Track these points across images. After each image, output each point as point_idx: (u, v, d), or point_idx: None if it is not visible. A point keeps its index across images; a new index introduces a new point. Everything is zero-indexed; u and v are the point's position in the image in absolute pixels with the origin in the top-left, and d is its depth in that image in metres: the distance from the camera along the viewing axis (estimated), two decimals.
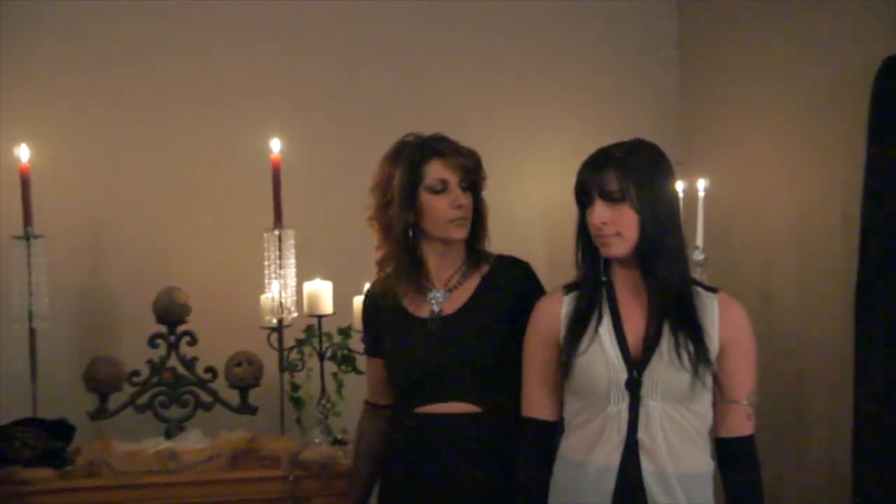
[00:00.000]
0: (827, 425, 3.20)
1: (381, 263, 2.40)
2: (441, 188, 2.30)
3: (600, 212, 2.06)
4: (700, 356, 2.05)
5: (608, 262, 2.16)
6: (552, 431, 2.23)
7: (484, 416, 2.33)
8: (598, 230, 2.09)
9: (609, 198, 2.06)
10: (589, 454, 2.11)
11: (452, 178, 2.31)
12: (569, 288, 2.19)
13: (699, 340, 2.06)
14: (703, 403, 2.10)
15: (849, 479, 2.91)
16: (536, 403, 2.23)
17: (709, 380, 2.09)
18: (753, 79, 3.56)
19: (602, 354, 2.11)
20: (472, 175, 2.35)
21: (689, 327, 2.07)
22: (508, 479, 2.32)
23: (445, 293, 2.38)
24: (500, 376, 2.35)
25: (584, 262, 2.19)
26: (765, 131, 3.52)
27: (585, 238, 2.15)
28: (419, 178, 2.31)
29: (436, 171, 2.31)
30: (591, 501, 2.09)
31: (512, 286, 2.39)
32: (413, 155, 2.34)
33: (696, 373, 2.04)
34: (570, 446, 2.16)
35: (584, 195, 2.12)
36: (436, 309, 2.36)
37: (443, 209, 2.30)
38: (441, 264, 2.39)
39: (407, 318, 2.37)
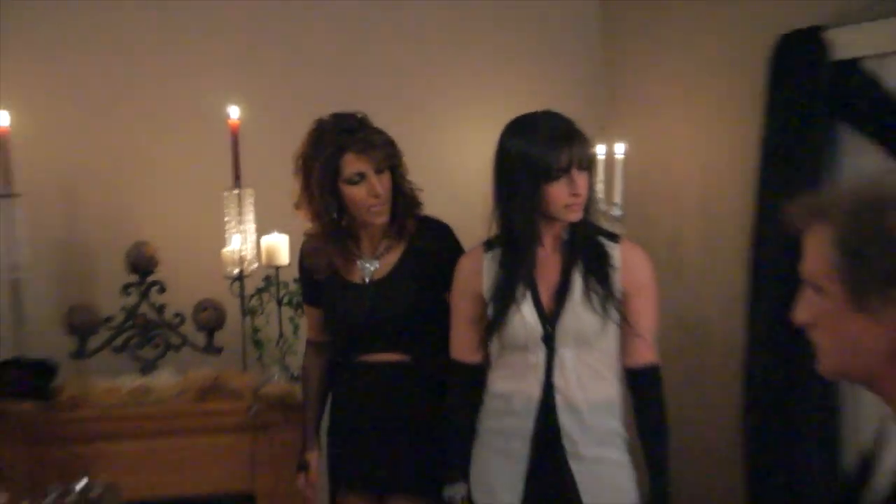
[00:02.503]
0: (722, 349, 3.51)
1: (310, 241, 2.57)
2: (358, 179, 2.40)
3: (582, 181, 2.17)
4: (608, 296, 2.23)
5: (537, 223, 2.27)
6: (477, 371, 2.40)
7: (412, 363, 2.54)
8: (575, 200, 2.20)
9: (584, 167, 2.19)
10: (514, 388, 2.32)
11: (368, 168, 2.40)
12: (488, 245, 2.33)
13: (606, 284, 2.24)
14: (611, 341, 2.29)
15: (739, 396, 3.27)
16: (463, 348, 2.39)
17: (616, 317, 2.26)
18: (667, 53, 3.79)
19: (521, 317, 2.28)
20: (386, 161, 2.45)
21: (598, 270, 2.25)
22: (437, 417, 2.52)
23: (374, 261, 2.54)
24: (426, 329, 2.54)
25: (530, 230, 2.28)
26: (676, 100, 3.77)
27: (535, 207, 2.23)
28: (337, 173, 2.41)
29: (351, 164, 2.40)
30: (517, 424, 2.30)
31: (434, 249, 2.54)
32: (329, 150, 2.43)
33: (604, 311, 2.22)
34: (497, 381, 2.35)
35: (559, 168, 2.17)
36: (367, 276, 2.54)
37: (362, 198, 2.41)
38: (369, 238, 2.55)
39: (341, 283, 2.55)
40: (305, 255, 2.62)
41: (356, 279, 2.54)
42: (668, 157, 3.77)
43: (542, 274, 2.30)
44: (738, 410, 3.29)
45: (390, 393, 2.56)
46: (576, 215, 2.21)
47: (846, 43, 3.00)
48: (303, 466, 2.73)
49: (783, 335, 3.10)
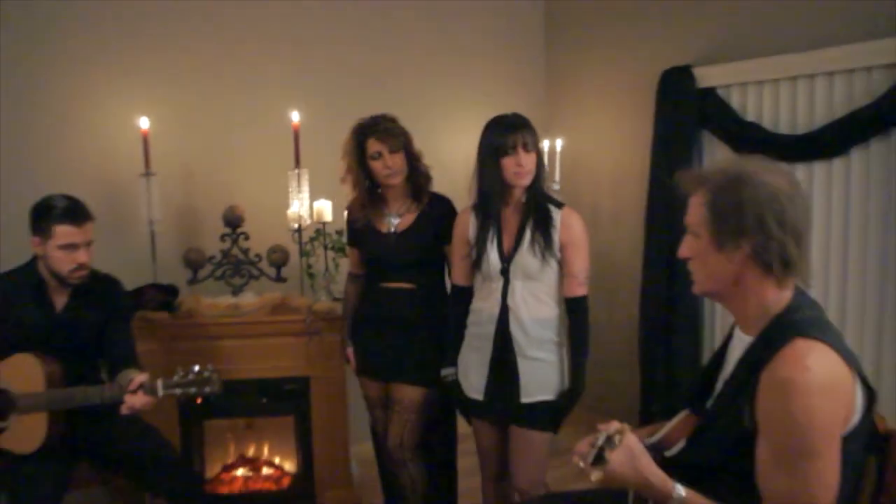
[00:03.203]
0: (626, 279, 4.13)
1: (353, 203, 2.95)
2: (377, 156, 2.80)
3: (526, 159, 2.46)
4: (546, 248, 2.54)
5: (500, 189, 2.56)
6: (467, 292, 2.74)
7: (415, 290, 2.92)
8: (520, 169, 2.48)
9: (528, 149, 2.48)
10: (483, 306, 2.67)
11: (384, 149, 2.79)
12: (474, 206, 2.66)
13: (548, 238, 2.53)
14: (550, 277, 2.58)
15: (637, 310, 3.97)
16: (459, 276, 2.77)
17: (553, 263, 2.55)
18: (592, 72, 4.25)
19: (488, 256, 2.60)
20: (397, 145, 2.81)
21: (543, 229, 2.54)
22: (431, 327, 2.88)
23: (398, 217, 2.91)
24: (427, 268, 2.95)
25: (493, 192, 2.57)
26: (598, 108, 4.31)
27: (495, 175, 2.52)
28: (364, 153, 2.82)
29: (373, 146, 2.80)
30: (484, 330, 2.65)
31: (440, 215, 2.90)
32: (360, 133, 2.83)
33: (543, 257, 2.53)
34: (476, 301, 2.72)
35: (508, 147, 2.46)
36: (392, 228, 2.91)
37: (379, 169, 2.81)
38: (394, 200, 2.92)
39: (375, 231, 2.92)
40: (350, 212, 3.00)
41: (384, 229, 2.89)
42: (592, 148, 4.28)
43: (506, 227, 2.59)
44: (636, 321, 3.90)
45: (400, 310, 2.92)
46: (522, 181, 2.50)
47: (706, 76, 3.68)
48: (346, 359, 3.16)
49: (666, 268, 3.73)
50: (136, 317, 3.11)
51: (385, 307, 2.93)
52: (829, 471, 1.57)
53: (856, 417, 1.62)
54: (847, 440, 1.61)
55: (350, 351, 3.12)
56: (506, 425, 2.72)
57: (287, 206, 3.51)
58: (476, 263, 2.62)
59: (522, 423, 2.63)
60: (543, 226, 2.54)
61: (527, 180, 2.51)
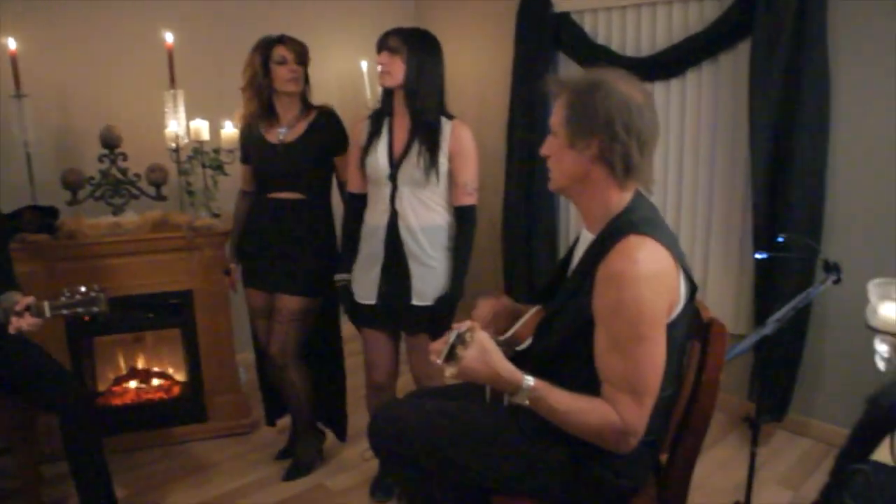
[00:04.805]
0: (491, 178, 4.19)
1: (248, 110, 2.98)
2: (283, 61, 2.87)
3: (385, 59, 2.56)
4: (430, 162, 2.59)
5: (388, 95, 2.63)
6: (362, 199, 2.79)
7: (305, 200, 2.98)
8: (380, 70, 2.59)
9: (392, 52, 2.55)
10: (373, 216, 2.71)
11: (289, 56, 2.88)
12: (369, 115, 2.75)
13: (433, 153, 2.58)
14: (440, 186, 2.63)
15: (501, 207, 4.20)
16: (354, 183, 2.83)
17: (435, 174, 2.58)
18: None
19: (374, 160, 2.66)
20: (301, 56, 2.90)
21: (429, 144, 2.59)
22: (319, 238, 2.96)
23: (287, 129, 2.97)
24: (315, 179, 3.01)
25: (381, 100, 2.69)
26: (466, 26, 4.41)
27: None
28: (270, 57, 2.88)
29: (280, 51, 2.88)
30: (378, 235, 2.69)
31: (327, 127, 2.99)
32: (266, 42, 2.92)
33: (426, 167, 2.58)
34: (368, 207, 2.76)
35: (376, 48, 2.58)
36: (281, 138, 2.97)
37: (283, 73, 2.88)
38: (285, 112, 2.97)
39: (264, 142, 2.97)
40: (243, 127, 3.05)
41: (273, 140, 2.96)
42: (459, 65, 4.10)
43: (397, 135, 2.64)
44: (500, 217, 4.08)
45: (287, 220, 2.97)
46: (383, 81, 2.60)
47: (562, 2, 3.86)
48: (227, 272, 3.27)
49: (526, 167, 3.93)
50: (15, 239, 3.11)
51: (272, 218, 2.99)
52: (656, 353, 1.69)
53: (679, 306, 1.75)
54: (672, 326, 1.73)
55: (233, 267, 3.23)
56: (396, 331, 2.84)
57: (164, 126, 3.52)
58: (363, 166, 2.68)
59: (412, 328, 2.73)
60: (432, 137, 2.59)
61: (386, 81, 2.57)
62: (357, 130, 2.76)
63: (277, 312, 3.03)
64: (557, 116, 1.79)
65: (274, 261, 3.00)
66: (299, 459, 3.31)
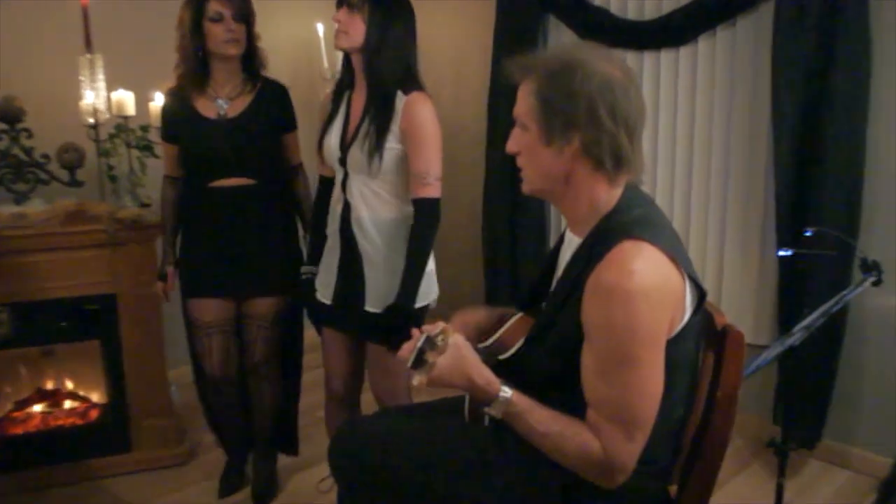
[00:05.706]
0: (470, 165, 4.19)
1: (179, 79, 2.78)
2: (218, 18, 2.66)
3: (340, 14, 2.41)
4: (376, 147, 2.41)
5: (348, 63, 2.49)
6: (330, 183, 2.64)
7: (258, 186, 2.81)
8: (336, 27, 2.43)
9: (348, 4, 2.41)
10: (333, 204, 2.60)
11: (227, 12, 2.67)
12: (334, 88, 2.62)
13: (380, 136, 2.41)
14: (388, 175, 2.46)
15: (481, 208, 4.07)
16: (322, 167, 2.67)
17: (377, 161, 2.41)
18: None
19: (331, 140, 2.54)
20: (242, 11, 2.70)
21: (379, 123, 2.41)
22: (279, 228, 2.86)
23: (227, 101, 2.78)
24: (269, 159, 2.85)
25: (342, 68, 2.57)
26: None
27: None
28: (203, 13, 2.66)
29: (214, 6, 2.67)
30: (333, 227, 2.57)
31: (275, 100, 2.84)
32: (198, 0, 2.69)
33: (369, 156, 2.41)
34: (332, 195, 2.63)
35: (336, 4, 2.42)
36: (222, 112, 2.78)
37: (219, 32, 2.67)
38: (225, 80, 2.78)
39: (198, 117, 2.75)
40: (167, 99, 2.83)
41: (211, 114, 2.75)
42: (430, 35, 3.88)
43: (354, 111, 2.51)
44: (479, 221, 4.00)
45: (241, 212, 2.80)
46: (337, 41, 2.45)
47: None
48: (162, 276, 2.99)
49: (510, 155, 3.82)
50: None
51: (222, 211, 2.81)
52: (650, 379, 1.58)
53: (685, 318, 1.63)
54: (676, 341, 1.61)
55: (171, 271, 2.99)
56: (353, 337, 2.69)
57: (79, 97, 3.22)
58: (320, 148, 2.59)
59: (366, 338, 2.60)
60: (382, 116, 2.42)
61: (342, 42, 2.42)
62: (322, 104, 2.67)
63: (252, 319, 2.92)
64: (525, 106, 1.64)
65: (236, 265, 2.84)
66: (261, 484, 3.12)
